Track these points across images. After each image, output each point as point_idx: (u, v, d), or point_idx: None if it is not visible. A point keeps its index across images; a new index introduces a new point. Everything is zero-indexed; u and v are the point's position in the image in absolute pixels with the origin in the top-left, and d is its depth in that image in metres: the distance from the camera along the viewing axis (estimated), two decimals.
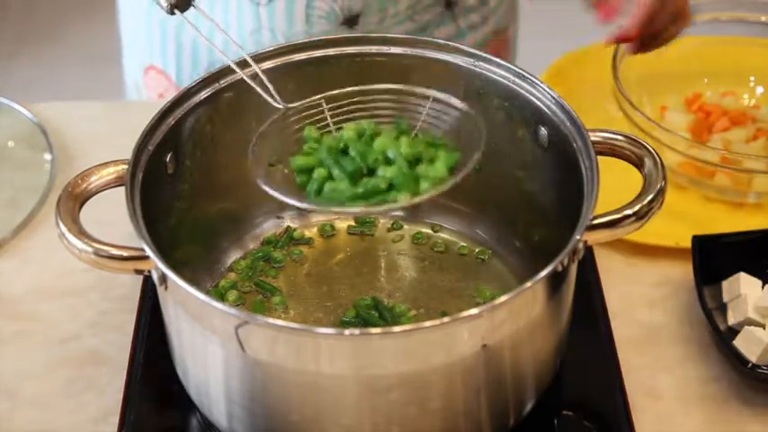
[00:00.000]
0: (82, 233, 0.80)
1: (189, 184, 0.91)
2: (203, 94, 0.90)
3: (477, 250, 0.99)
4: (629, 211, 0.81)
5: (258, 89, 0.87)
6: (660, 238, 1.02)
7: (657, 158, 0.84)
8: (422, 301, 0.94)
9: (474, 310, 0.74)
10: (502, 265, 0.97)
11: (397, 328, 0.75)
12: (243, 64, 0.91)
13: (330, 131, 0.88)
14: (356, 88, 0.88)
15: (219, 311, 0.76)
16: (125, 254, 0.79)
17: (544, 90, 0.89)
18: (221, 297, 0.94)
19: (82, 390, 0.93)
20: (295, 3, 1.13)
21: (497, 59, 0.91)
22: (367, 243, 1.00)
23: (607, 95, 1.12)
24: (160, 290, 0.81)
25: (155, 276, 0.80)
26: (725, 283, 0.96)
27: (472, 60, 0.92)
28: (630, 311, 0.98)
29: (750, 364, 0.89)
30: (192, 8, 0.91)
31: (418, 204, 0.86)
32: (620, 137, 0.86)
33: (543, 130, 0.90)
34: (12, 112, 1.18)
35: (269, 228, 1.00)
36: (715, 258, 0.97)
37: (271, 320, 0.75)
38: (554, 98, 0.88)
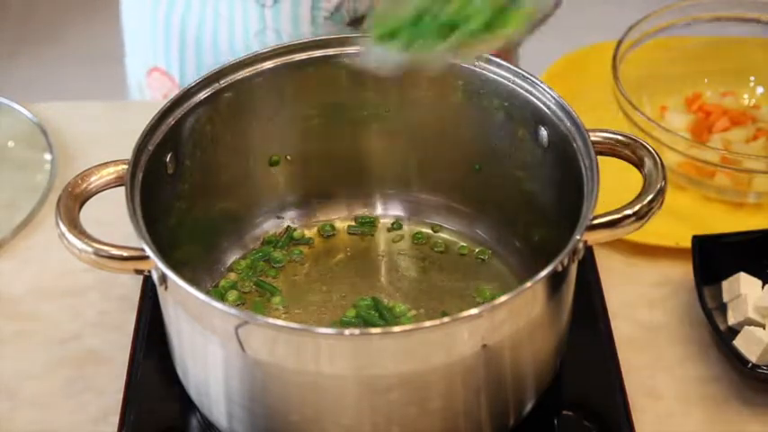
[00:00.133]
0: (82, 233, 0.80)
1: (189, 184, 0.91)
2: (203, 94, 0.90)
3: (477, 250, 0.99)
4: (629, 211, 0.81)
5: None
6: (660, 238, 1.02)
7: (657, 158, 0.84)
8: (422, 301, 0.94)
9: (474, 310, 0.74)
10: (502, 265, 0.97)
11: (397, 328, 0.75)
12: (244, 64, 0.91)
13: None
14: None
15: (219, 311, 0.76)
16: (125, 254, 0.79)
17: (544, 90, 0.89)
18: (221, 297, 0.94)
19: (82, 390, 0.93)
20: (300, 4, 1.13)
21: (497, 59, 0.91)
22: (367, 243, 1.00)
23: (607, 95, 1.11)
24: (160, 290, 0.81)
25: (155, 276, 0.80)
26: (725, 283, 0.96)
27: (472, 60, 0.92)
28: (630, 311, 0.98)
29: (750, 364, 0.89)
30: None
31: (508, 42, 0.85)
32: (620, 137, 0.86)
33: (543, 130, 0.90)
34: (12, 112, 1.18)
35: (269, 228, 1.00)
36: (715, 258, 0.97)
37: (271, 320, 0.75)
38: (554, 98, 0.88)
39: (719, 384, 0.92)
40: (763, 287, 0.95)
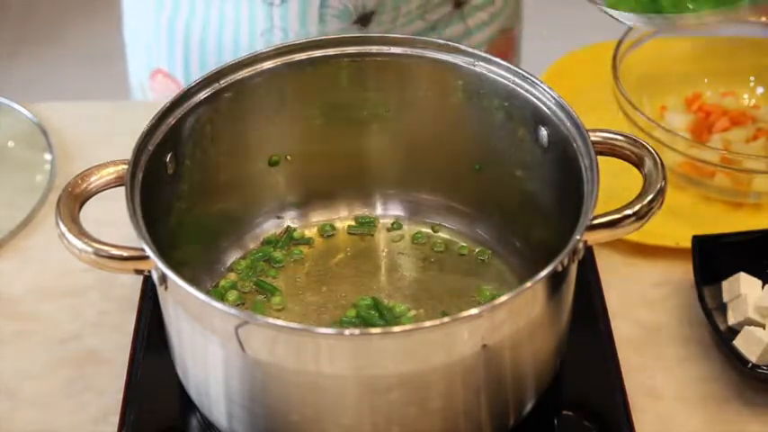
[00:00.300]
0: (82, 233, 0.80)
1: (189, 184, 0.91)
2: (203, 94, 0.90)
3: (477, 250, 0.99)
4: (629, 211, 0.81)
5: None
6: (660, 238, 1.02)
7: (657, 158, 0.84)
8: (422, 301, 0.94)
9: (474, 310, 0.74)
10: (502, 265, 0.97)
11: (397, 328, 0.75)
12: (244, 64, 0.91)
13: None
14: None
15: (219, 311, 0.76)
16: (125, 254, 0.79)
17: (544, 90, 0.89)
18: (221, 297, 0.94)
19: (82, 390, 0.93)
20: (309, 2, 1.13)
21: (497, 59, 0.91)
22: (367, 243, 1.00)
23: (607, 95, 1.11)
24: (160, 290, 0.81)
25: (155, 276, 0.80)
26: (725, 283, 0.96)
27: (472, 60, 0.92)
28: (630, 311, 0.98)
29: (750, 364, 0.89)
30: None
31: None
32: (620, 137, 0.86)
33: (543, 130, 0.90)
34: (12, 112, 1.18)
35: (269, 228, 1.00)
36: (715, 258, 0.97)
37: (271, 320, 0.75)
38: (554, 98, 0.88)
39: (719, 384, 0.92)
40: (763, 287, 0.95)
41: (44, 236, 1.05)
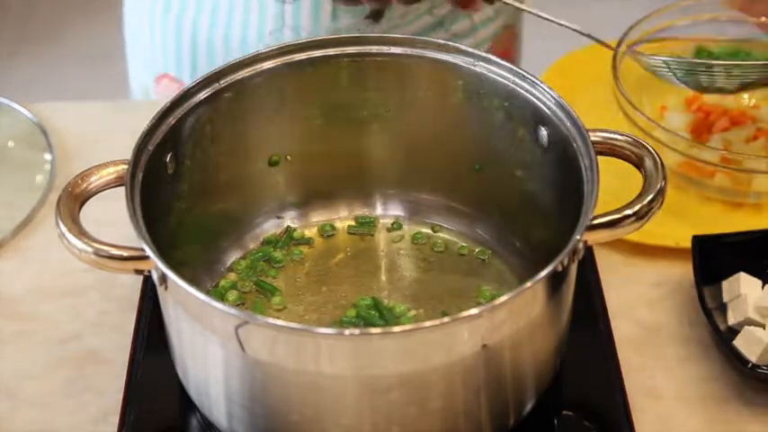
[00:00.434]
0: (82, 233, 0.80)
1: (189, 184, 0.91)
2: (203, 94, 0.90)
3: (477, 250, 0.99)
4: (629, 211, 0.81)
5: None
6: (660, 238, 1.02)
7: (657, 158, 0.84)
8: (422, 301, 0.94)
9: (474, 310, 0.74)
10: (502, 265, 0.97)
11: (397, 328, 0.75)
12: (244, 64, 0.91)
13: None
14: None
15: (219, 311, 0.76)
16: (125, 254, 0.79)
17: (544, 90, 0.89)
18: (221, 297, 0.94)
19: (82, 390, 0.93)
20: None
21: (497, 59, 0.91)
22: (367, 243, 1.00)
23: (607, 95, 1.11)
24: (160, 290, 0.81)
25: (155, 276, 0.80)
26: (725, 283, 0.96)
27: (472, 60, 0.92)
28: (630, 311, 0.98)
29: (750, 364, 0.89)
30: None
31: None
32: (620, 137, 0.86)
33: (543, 130, 0.90)
34: (12, 112, 1.18)
35: (269, 228, 1.00)
36: (715, 258, 0.97)
37: (271, 320, 0.75)
38: (554, 98, 0.88)
39: (719, 384, 0.92)
40: (763, 287, 0.95)
41: (44, 236, 1.05)
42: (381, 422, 0.79)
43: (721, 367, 0.93)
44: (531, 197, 0.94)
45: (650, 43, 1.15)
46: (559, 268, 0.78)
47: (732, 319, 0.94)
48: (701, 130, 1.11)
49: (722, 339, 0.92)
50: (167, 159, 0.88)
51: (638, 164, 0.85)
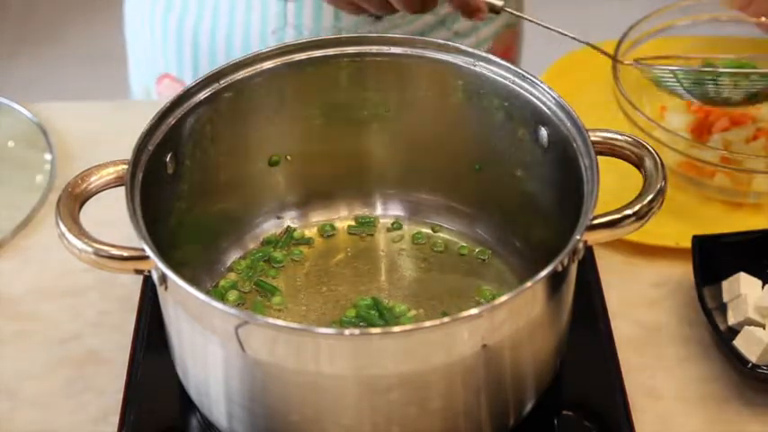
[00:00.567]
0: (82, 233, 0.80)
1: (189, 184, 0.91)
2: (203, 94, 0.90)
3: (477, 250, 0.99)
4: (629, 211, 0.81)
5: None
6: (660, 238, 1.02)
7: (657, 158, 0.84)
8: (422, 301, 0.94)
9: (474, 310, 0.74)
10: (502, 265, 0.97)
11: (397, 328, 0.75)
12: (244, 64, 0.91)
13: None
14: None
15: (219, 311, 0.76)
16: (125, 254, 0.79)
17: (544, 90, 0.89)
18: (221, 297, 0.94)
19: (82, 390, 0.93)
20: None
21: (497, 59, 0.91)
22: (367, 243, 1.00)
23: (607, 95, 1.11)
24: (160, 290, 0.81)
25: (155, 276, 0.80)
26: (725, 283, 0.96)
27: (472, 60, 0.92)
28: (630, 311, 0.98)
29: (750, 364, 0.89)
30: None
31: None
32: (620, 137, 0.86)
33: (543, 130, 0.90)
34: (12, 112, 1.18)
35: (269, 228, 1.00)
36: (715, 258, 0.97)
37: (271, 320, 0.75)
38: (554, 98, 0.88)
39: (719, 384, 0.92)
40: (763, 287, 0.95)
41: (44, 236, 1.05)
42: (381, 422, 0.79)
43: (721, 367, 0.93)
44: (531, 197, 0.94)
45: (650, 43, 1.15)
46: (559, 268, 0.78)
47: (732, 319, 0.94)
48: (701, 130, 1.11)
49: (722, 339, 0.92)
50: (167, 159, 0.88)
51: (638, 164, 0.85)
